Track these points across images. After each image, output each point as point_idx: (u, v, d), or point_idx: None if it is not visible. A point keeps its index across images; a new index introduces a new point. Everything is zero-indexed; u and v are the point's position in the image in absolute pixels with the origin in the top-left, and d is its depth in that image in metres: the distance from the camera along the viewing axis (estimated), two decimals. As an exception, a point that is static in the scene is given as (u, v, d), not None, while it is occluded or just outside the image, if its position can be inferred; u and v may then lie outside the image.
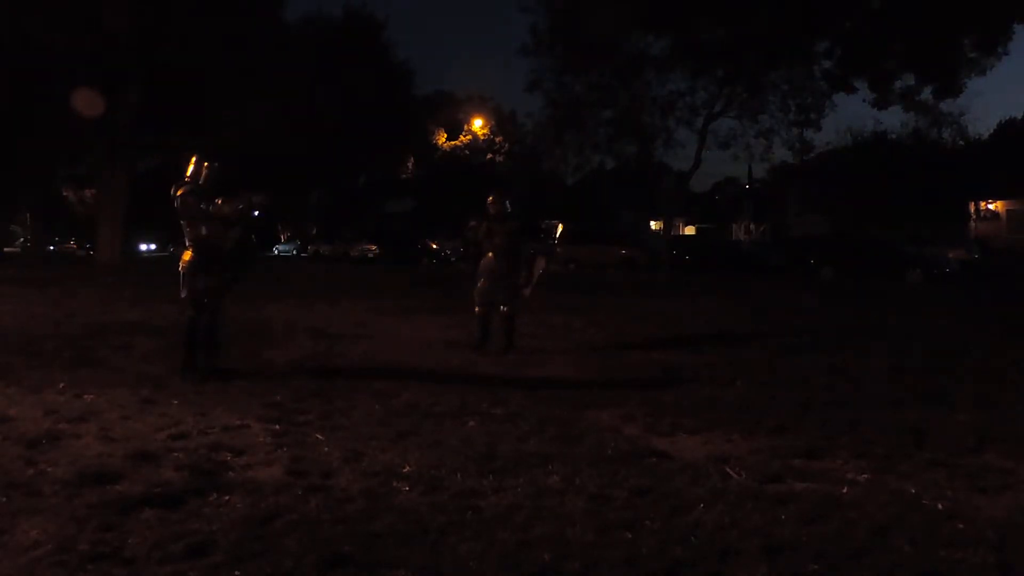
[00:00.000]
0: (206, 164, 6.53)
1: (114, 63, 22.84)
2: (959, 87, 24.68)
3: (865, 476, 4.05)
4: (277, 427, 4.85)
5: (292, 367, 6.97)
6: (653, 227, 45.13)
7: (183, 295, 6.47)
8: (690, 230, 53.47)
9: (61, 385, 5.96)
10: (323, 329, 9.65)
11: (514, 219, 8.37)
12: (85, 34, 21.47)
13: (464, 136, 47.46)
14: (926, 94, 25.32)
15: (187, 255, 6.42)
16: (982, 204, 41.46)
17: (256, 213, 6.71)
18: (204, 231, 6.35)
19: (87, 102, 22.01)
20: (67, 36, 21.19)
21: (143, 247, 53.19)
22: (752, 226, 52.93)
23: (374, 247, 39.94)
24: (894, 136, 41.99)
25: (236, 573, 2.86)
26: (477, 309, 8.27)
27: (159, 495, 3.58)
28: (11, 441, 4.46)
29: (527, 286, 8.22)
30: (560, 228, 34.66)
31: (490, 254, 8.18)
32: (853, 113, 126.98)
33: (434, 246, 36.97)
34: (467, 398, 5.74)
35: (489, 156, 48.44)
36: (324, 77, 31.71)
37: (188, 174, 6.51)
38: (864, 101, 25.39)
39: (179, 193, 6.39)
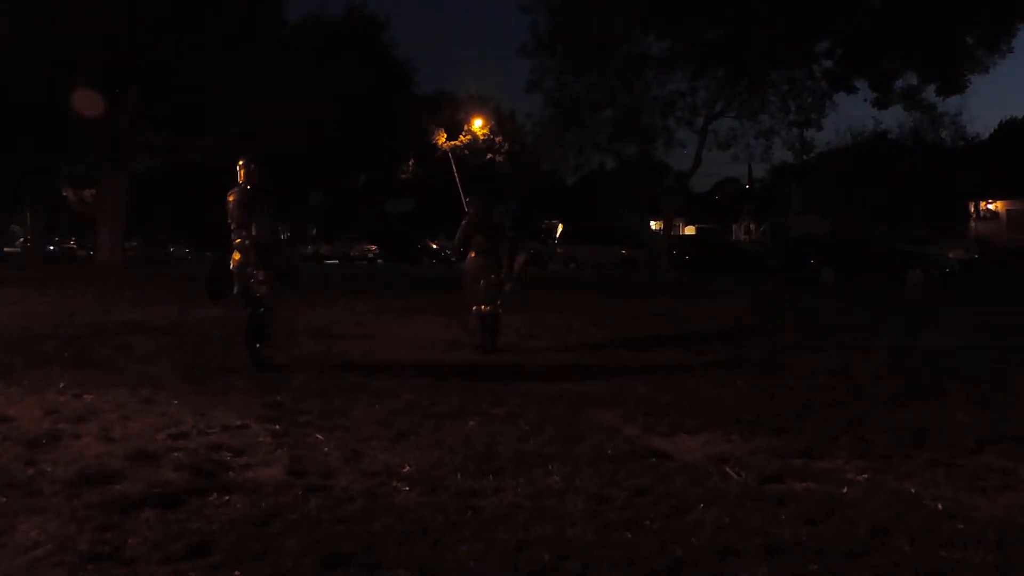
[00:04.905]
0: (244, 164, 6.96)
1: (114, 63, 22.82)
2: (963, 84, 24.66)
3: (865, 476, 4.05)
4: (277, 427, 4.85)
5: (292, 367, 6.97)
6: (653, 227, 45.13)
7: (235, 291, 6.86)
8: (690, 230, 53.44)
9: (61, 385, 5.96)
10: (323, 329, 9.65)
11: (496, 218, 8.48)
12: (85, 34, 21.46)
13: (464, 136, 47.41)
14: (928, 93, 25.32)
15: (237, 256, 6.79)
16: (982, 204, 41.45)
17: None
18: (254, 231, 6.73)
19: (87, 102, 22.01)
20: (67, 36, 21.19)
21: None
22: (752, 226, 52.93)
23: (374, 247, 39.91)
24: (894, 136, 42.05)
25: (236, 573, 2.86)
26: (473, 308, 8.32)
27: (159, 495, 3.59)
28: (11, 441, 4.47)
29: (508, 281, 8.26)
30: (560, 228, 34.63)
31: (472, 253, 8.26)
32: (853, 113, 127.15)
33: (434, 246, 36.94)
34: (467, 398, 5.74)
35: (489, 156, 48.38)
36: (324, 77, 31.66)
37: (240, 179, 6.96)
38: (865, 101, 25.42)
39: (230, 199, 6.83)
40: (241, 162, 7.01)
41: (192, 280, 16.17)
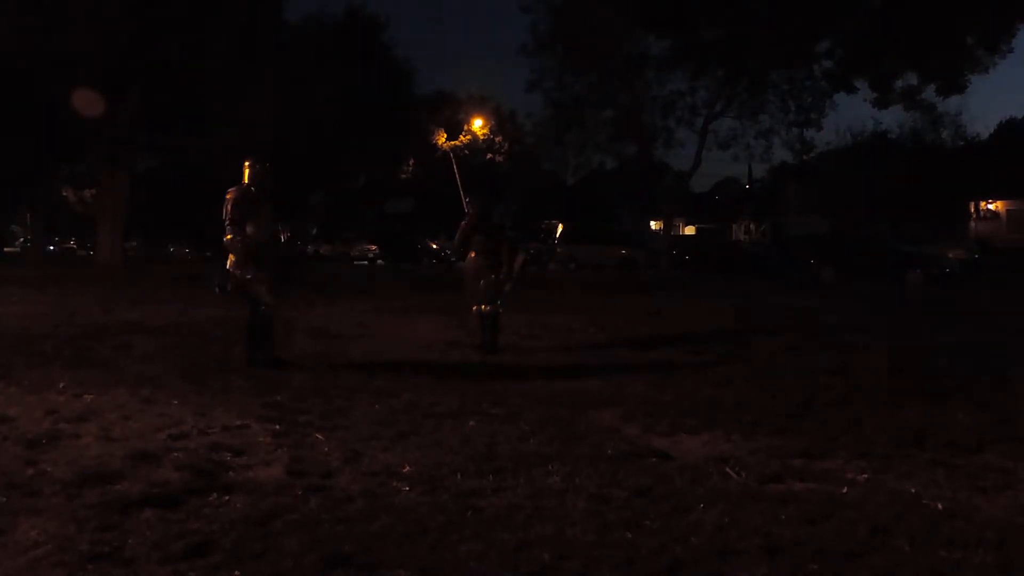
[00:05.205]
0: (250, 165, 6.99)
1: (114, 63, 22.82)
2: (963, 84, 24.65)
3: (865, 476, 4.05)
4: (277, 427, 4.85)
5: (292, 367, 6.97)
6: (653, 227, 45.13)
7: (219, 289, 6.95)
8: (690, 230, 53.42)
9: (61, 385, 5.96)
10: (323, 329, 9.65)
11: (495, 219, 8.55)
12: (85, 34, 21.46)
13: (464, 136, 47.41)
14: (929, 93, 25.30)
15: (232, 256, 6.80)
16: (982, 204, 41.45)
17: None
18: (249, 231, 6.75)
19: (87, 102, 22.00)
20: (67, 36, 21.18)
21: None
22: (752, 226, 52.89)
23: (374, 247, 39.94)
24: (894, 136, 42.06)
25: (236, 573, 2.86)
26: (473, 309, 8.33)
27: (159, 495, 3.58)
28: (11, 441, 4.46)
29: (508, 282, 8.28)
30: (560, 228, 34.64)
31: (472, 253, 8.27)
32: (853, 113, 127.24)
33: (434, 246, 36.95)
34: (467, 398, 5.74)
35: (489, 156, 48.40)
36: (324, 77, 31.65)
37: (245, 179, 6.97)
38: (864, 101, 25.47)
39: (228, 196, 6.83)
40: (248, 162, 7.02)
41: (192, 280, 16.19)
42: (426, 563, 2.95)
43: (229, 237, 6.74)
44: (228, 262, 6.87)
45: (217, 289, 7.06)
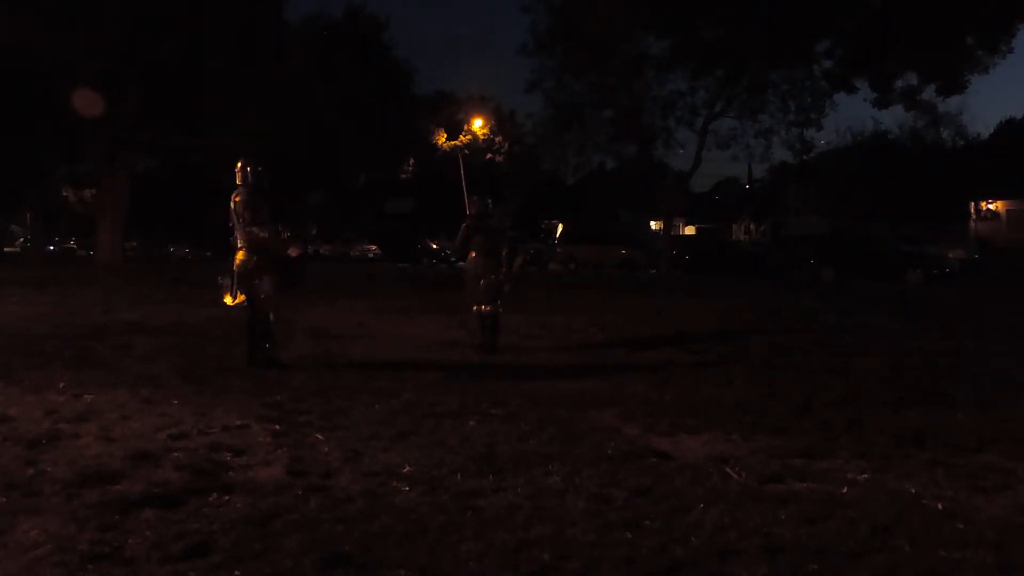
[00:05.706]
0: (244, 166, 6.97)
1: (114, 63, 22.82)
2: (963, 84, 24.65)
3: (865, 476, 4.05)
4: (277, 427, 4.85)
5: (292, 367, 6.97)
6: (653, 227, 45.13)
7: (232, 294, 6.90)
8: (690, 230, 53.43)
9: (61, 385, 5.96)
10: (323, 329, 9.66)
11: (495, 219, 8.63)
12: (85, 34, 21.46)
13: (464, 136, 47.41)
14: (928, 93, 25.29)
15: (240, 255, 6.83)
16: (982, 204, 41.48)
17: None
18: (256, 232, 6.78)
19: (87, 102, 21.99)
20: (67, 36, 21.18)
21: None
22: (752, 226, 52.92)
23: (374, 247, 39.94)
24: (894, 136, 42.10)
25: (236, 573, 2.86)
26: (473, 309, 8.34)
27: (159, 495, 3.59)
28: (11, 441, 4.47)
29: (507, 282, 8.30)
30: (560, 228, 34.61)
31: (473, 254, 8.28)
32: (853, 113, 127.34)
33: (434, 246, 36.95)
34: (467, 398, 5.74)
35: (489, 156, 48.41)
36: (324, 77, 31.66)
37: (239, 180, 6.96)
38: (864, 101, 25.50)
39: (236, 199, 6.84)
40: (240, 163, 6.99)
41: (192, 280, 16.16)
42: (426, 563, 2.95)
43: (243, 240, 6.76)
44: (235, 263, 6.85)
45: (223, 292, 7.02)
